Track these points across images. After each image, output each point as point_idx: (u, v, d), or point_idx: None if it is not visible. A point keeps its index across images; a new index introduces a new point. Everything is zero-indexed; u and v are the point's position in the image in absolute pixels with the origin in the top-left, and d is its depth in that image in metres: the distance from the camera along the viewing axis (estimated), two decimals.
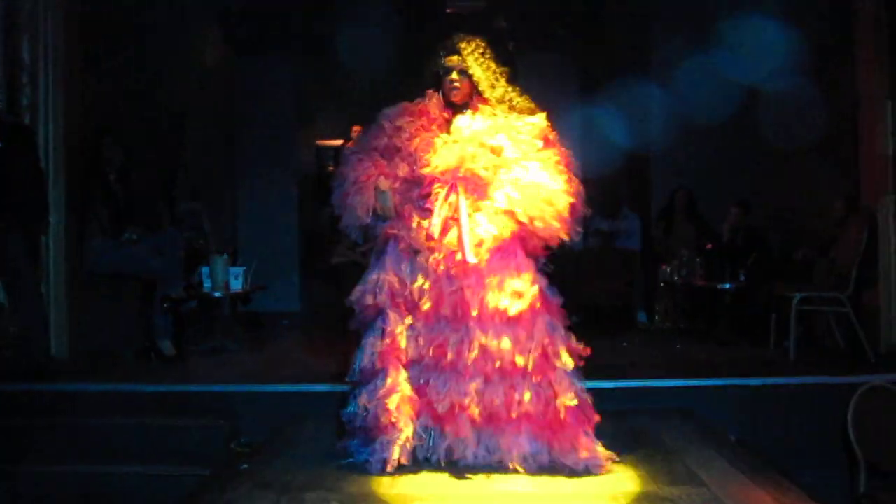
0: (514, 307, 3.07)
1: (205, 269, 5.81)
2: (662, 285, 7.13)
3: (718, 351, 5.64)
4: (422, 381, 3.15)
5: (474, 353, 3.05)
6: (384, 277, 3.17)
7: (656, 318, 7.15)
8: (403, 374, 3.12)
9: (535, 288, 3.12)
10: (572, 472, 3.10)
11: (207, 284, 5.77)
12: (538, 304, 3.12)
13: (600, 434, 3.38)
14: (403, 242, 3.20)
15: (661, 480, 3.06)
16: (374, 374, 3.12)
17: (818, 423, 4.24)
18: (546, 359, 3.10)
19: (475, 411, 3.06)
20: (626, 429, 3.83)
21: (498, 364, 3.05)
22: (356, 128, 9.81)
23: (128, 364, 5.22)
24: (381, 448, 3.07)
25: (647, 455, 3.40)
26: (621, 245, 7.77)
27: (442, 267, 3.12)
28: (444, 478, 3.05)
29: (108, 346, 5.34)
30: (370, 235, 3.33)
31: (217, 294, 5.73)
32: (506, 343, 3.06)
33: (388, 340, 3.12)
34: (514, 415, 3.07)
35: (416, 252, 3.18)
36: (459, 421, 3.07)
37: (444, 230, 3.17)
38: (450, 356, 3.08)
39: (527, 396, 3.07)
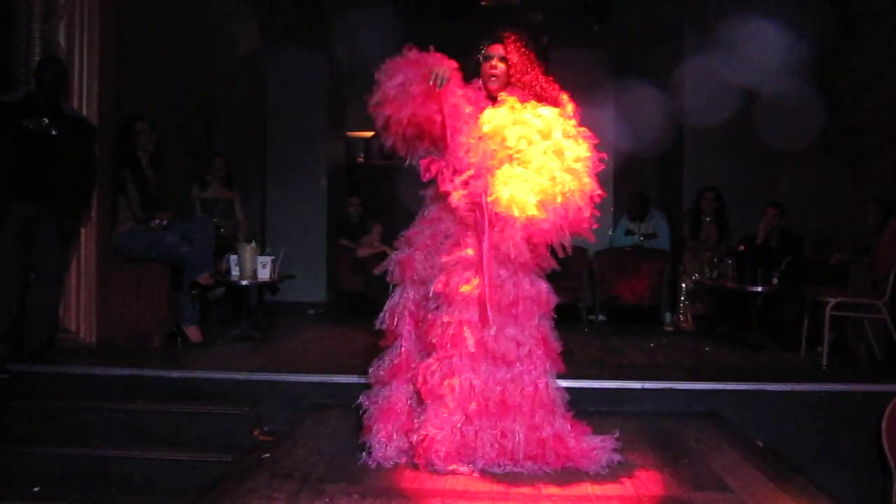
0: (512, 354, 3.10)
1: (233, 257, 5.83)
2: (683, 286, 7.05)
3: (748, 355, 5.54)
4: (409, 403, 3.29)
5: (457, 389, 3.06)
6: (402, 304, 3.33)
7: (681, 317, 7.05)
8: (406, 391, 3.29)
9: (533, 341, 3.15)
10: (597, 474, 3.08)
11: (235, 272, 5.80)
12: (538, 350, 3.17)
13: (626, 436, 3.34)
14: (416, 273, 3.30)
15: (686, 484, 3.02)
16: (383, 383, 3.35)
17: (849, 431, 4.17)
18: (534, 401, 3.12)
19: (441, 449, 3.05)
20: (651, 431, 3.80)
21: (477, 405, 3.08)
22: None
23: (154, 349, 5.26)
24: (378, 447, 3.20)
25: (672, 458, 3.37)
26: (650, 245, 7.69)
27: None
28: (466, 475, 3.02)
29: (135, 331, 5.39)
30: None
31: (244, 283, 5.76)
32: (491, 382, 3.10)
33: (400, 360, 3.32)
34: (493, 454, 3.10)
35: (426, 282, 3.25)
36: (430, 454, 3.06)
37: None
38: (429, 384, 3.11)
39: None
